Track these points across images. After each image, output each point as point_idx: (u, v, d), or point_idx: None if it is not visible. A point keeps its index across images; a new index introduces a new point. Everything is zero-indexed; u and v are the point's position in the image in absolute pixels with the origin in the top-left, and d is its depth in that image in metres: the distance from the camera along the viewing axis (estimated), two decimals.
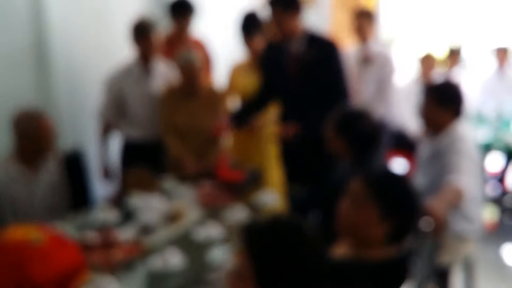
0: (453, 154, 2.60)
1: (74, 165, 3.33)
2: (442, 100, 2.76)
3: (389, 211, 1.70)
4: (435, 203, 2.14)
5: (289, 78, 3.16)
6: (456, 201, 2.43)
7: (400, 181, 1.80)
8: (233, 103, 3.79)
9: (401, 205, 1.73)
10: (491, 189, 4.93)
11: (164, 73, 3.54)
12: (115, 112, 3.47)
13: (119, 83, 3.42)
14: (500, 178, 4.99)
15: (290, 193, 3.32)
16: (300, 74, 3.12)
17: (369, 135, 2.57)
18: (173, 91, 3.41)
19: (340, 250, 1.85)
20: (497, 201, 4.80)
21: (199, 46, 4.00)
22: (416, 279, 2.01)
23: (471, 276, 2.96)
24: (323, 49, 3.10)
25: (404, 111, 4.68)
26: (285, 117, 3.24)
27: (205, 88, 3.43)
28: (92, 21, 3.50)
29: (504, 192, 4.95)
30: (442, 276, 2.76)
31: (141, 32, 3.36)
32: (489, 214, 4.47)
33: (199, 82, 3.35)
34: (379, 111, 4.18)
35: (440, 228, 2.13)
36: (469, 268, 2.95)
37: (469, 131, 2.83)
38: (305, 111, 3.11)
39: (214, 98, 3.43)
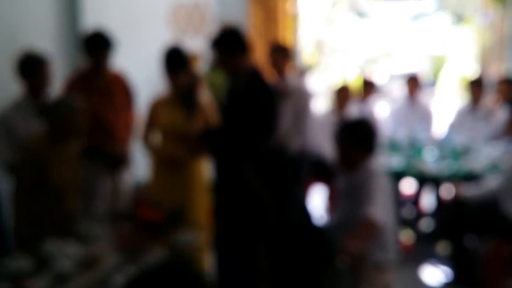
0: (367, 189, 2.70)
1: None
2: (356, 140, 2.84)
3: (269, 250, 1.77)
4: (350, 242, 2.20)
5: (224, 113, 3.24)
6: (372, 234, 2.51)
7: (298, 232, 1.81)
8: (155, 138, 3.73)
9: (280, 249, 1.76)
10: (407, 213, 5.13)
11: None
12: (11, 150, 3.17)
13: (9, 122, 3.21)
14: (415, 201, 5.21)
15: (216, 230, 3.30)
16: (233, 109, 3.16)
17: (286, 172, 2.63)
18: (46, 139, 2.95)
19: None
20: (413, 224, 4.99)
21: (119, 80, 3.90)
22: None
23: None
24: (258, 90, 3.14)
25: (321, 140, 4.79)
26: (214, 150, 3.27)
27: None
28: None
29: (420, 215, 5.17)
30: None
31: (32, 65, 3.26)
32: (405, 237, 4.63)
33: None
34: (297, 143, 4.27)
35: (357, 264, 2.19)
36: None
37: (381, 165, 2.94)
38: (232, 146, 3.15)
39: None
